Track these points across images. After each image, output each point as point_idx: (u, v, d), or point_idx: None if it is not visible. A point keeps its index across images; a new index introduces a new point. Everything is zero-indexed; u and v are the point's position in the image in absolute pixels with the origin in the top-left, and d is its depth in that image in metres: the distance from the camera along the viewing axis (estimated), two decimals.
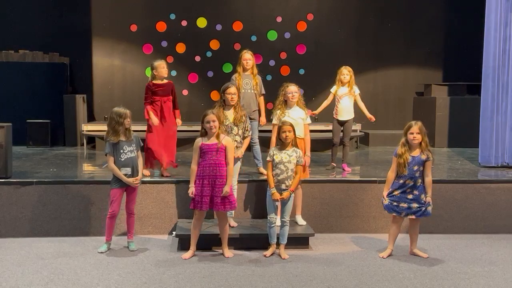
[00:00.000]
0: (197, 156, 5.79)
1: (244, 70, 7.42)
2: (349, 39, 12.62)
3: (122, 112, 5.94)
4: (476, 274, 5.49)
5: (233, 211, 6.51)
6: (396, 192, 5.84)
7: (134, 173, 5.99)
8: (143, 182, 6.85)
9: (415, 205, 5.81)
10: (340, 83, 8.05)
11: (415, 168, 5.78)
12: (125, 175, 5.92)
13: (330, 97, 8.15)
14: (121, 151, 5.93)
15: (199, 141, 5.82)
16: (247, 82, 7.41)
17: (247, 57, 7.41)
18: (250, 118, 7.38)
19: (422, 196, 5.82)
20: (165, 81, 7.28)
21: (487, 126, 8.44)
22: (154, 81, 7.21)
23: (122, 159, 5.93)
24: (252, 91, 7.43)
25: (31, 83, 11.10)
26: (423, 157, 5.79)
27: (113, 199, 5.98)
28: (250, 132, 6.50)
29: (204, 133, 5.84)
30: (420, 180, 5.82)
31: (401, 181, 5.81)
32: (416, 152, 5.81)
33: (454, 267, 5.70)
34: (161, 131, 7.19)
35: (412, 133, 5.76)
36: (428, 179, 5.84)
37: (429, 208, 5.84)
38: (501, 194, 7.20)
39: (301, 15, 12.54)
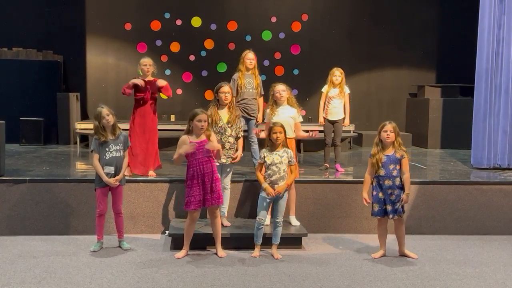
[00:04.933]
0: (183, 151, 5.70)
1: (247, 70, 7.44)
2: (343, 40, 12.66)
3: (96, 113, 5.91)
4: (467, 275, 5.51)
5: (226, 211, 6.53)
6: (381, 195, 5.86)
7: (117, 173, 5.96)
8: (136, 181, 6.85)
9: (398, 204, 5.84)
10: (332, 84, 8.11)
11: (391, 167, 5.81)
12: (108, 173, 5.89)
13: (323, 97, 8.20)
14: (107, 149, 5.91)
15: (186, 139, 5.73)
16: (249, 81, 7.44)
17: (251, 57, 7.43)
18: (251, 116, 7.42)
19: (400, 196, 5.86)
20: (150, 78, 7.26)
21: (479, 128, 8.48)
22: (140, 77, 7.27)
23: (106, 158, 5.91)
24: (254, 90, 7.46)
25: (25, 81, 11.07)
26: (398, 155, 5.82)
27: (98, 198, 5.97)
28: (242, 132, 6.52)
29: (190, 131, 5.79)
30: (398, 179, 5.84)
31: (381, 182, 5.85)
32: (389, 151, 5.84)
33: (445, 268, 5.73)
34: (141, 133, 7.14)
35: (386, 131, 5.80)
36: (406, 176, 5.85)
37: (402, 204, 5.88)
38: (493, 195, 7.24)
39: (295, 15, 12.56)
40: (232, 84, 7.36)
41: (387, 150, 5.84)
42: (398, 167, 5.84)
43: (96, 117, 5.90)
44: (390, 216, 5.85)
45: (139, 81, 7.06)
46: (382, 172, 5.81)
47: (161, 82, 7.23)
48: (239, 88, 7.46)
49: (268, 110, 6.58)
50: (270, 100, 6.64)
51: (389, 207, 5.83)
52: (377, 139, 5.89)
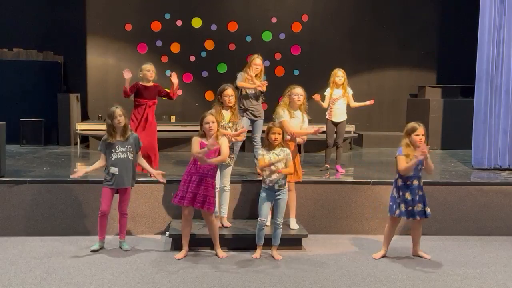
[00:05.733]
0: (198, 147, 5.66)
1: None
2: (344, 41, 12.66)
3: (110, 112, 5.95)
4: (468, 276, 5.51)
5: (226, 212, 6.52)
6: (408, 195, 5.84)
7: (123, 175, 5.95)
8: (137, 182, 6.81)
9: (420, 205, 5.86)
10: (335, 85, 8.08)
11: (419, 167, 5.85)
12: (113, 174, 5.91)
13: (327, 100, 8.15)
14: (113, 150, 5.93)
15: (197, 138, 5.76)
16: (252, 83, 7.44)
17: (258, 62, 7.41)
18: (256, 117, 7.44)
19: (424, 196, 5.89)
20: (151, 84, 7.34)
21: (480, 129, 8.48)
22: (141, 82, 7.33)
23: (112, 158, 5.93)
24: (255, 92, 7.44)
25: (25, 81, 11.06)
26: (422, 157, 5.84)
27: (103, 197, 5.99)
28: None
29: (203, 135, 5.81)
30: (421, 180, 5.89)
31: (408, 182, 5.83)
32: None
33: (446, 268, 5.73)
34: (143, 135, 7.09)
35: (418, 135, 5.76)
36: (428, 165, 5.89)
37: (428, 209, 5.91)
38: (494, 196, 7.23)
39: (296, 16, 12.56)
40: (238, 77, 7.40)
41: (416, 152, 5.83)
42: (421, 167, 5.87)
43: (109, 116, 5.95)
44: (418, 217, 5.86)
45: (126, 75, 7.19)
46: (410, 172, 5.81)
47: (174, 78, 7.35)
48: (242, 91, 7.44)
49: (280, 110, 6.44)
50: (286, 101, 6.52)
51: (416, 208, 5.84)
52: (407, 140, 5.79)
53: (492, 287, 5.23)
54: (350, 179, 7.56)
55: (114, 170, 5.92)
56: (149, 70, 7.29)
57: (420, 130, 5.78)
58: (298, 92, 6.46)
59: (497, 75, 8.39)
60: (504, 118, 8.40)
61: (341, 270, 5.59)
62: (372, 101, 8.22)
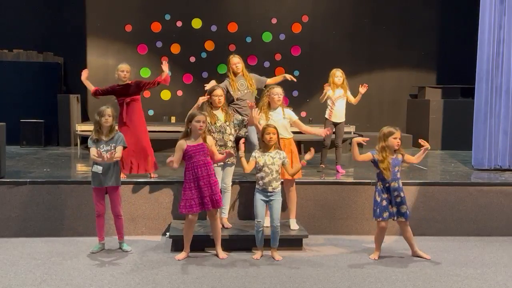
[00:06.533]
0: (179, 156, 5.71)
1: (235, 74, 7.40)
2: (344, 41, 12.65)
3: (99, 110, 5.99)
4: (468, 276, 5.51)
5: (227, 213, 6.53)
6: (385, 195, 5.88)
7: (108, 173, 5.96)
8: (137, 183, 6.86)
9: (404, 207, 5.87)
10: (335, 86, 8.07)
11: (396, 169, 5.87)
12: (96, 172, 5.94)
13: (328, 98, 8.08)
14: (97, 148, 5.95)
15: (183, 144, 5.71)
16: (241, 83, 7.40)
17: (236, 61, 7.36)
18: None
19: (405, 198, 5.93)
20: (127, 82, 7.24)
21: (480, 129, 8.47)
22: (118, 83, 7.22)
23: None
24: (249, 90, 7.41)
25: (25, 82, 11.06)
26: (400, 157, 5.87)
27: (94, 198, 6.03)
28: (243, 123, 6.52)
29: (187, 134, 5.78)
30: (401, 182, 5.91)
31: (386, 185, 5.86)
32: (393, 155, 5.87)
33: (446, 269, 5.73)
34: (129, 135, 6.93)
35: (396, 138, 5.80)
36: (413, 157, 5.99)
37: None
38: (494, 196, 7.23)
39: (296, 17, 12.56)
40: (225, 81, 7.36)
41: (392, 155, 5.86)
42: (400, 168, 5.91)
43: (98, 113, 5.99)
44: (395, 218, 5.88)
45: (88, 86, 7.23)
46: (390, 176, 5.82)
47: (165, 67, 7.35)
48: (233, 93, 7.34)
49: (263, 115, 6.42)
50: (264, 102, 6.52)
51: (394, 209, 5.87)
52: (383, 144, 5.83)
53: (492, 287, 5.23)
54: (350, 179, 7.56)
55: (97, 168, 5.94)
56: (123, 71, 7.17)
57: (398, 133, 5.82)
58: (277, 92, 6.46)
59: (497, 75, 8.39)
60: (504, 118, 8.39)
61: (341, 271, 5.59)
62: (365, 87, 8.10)
